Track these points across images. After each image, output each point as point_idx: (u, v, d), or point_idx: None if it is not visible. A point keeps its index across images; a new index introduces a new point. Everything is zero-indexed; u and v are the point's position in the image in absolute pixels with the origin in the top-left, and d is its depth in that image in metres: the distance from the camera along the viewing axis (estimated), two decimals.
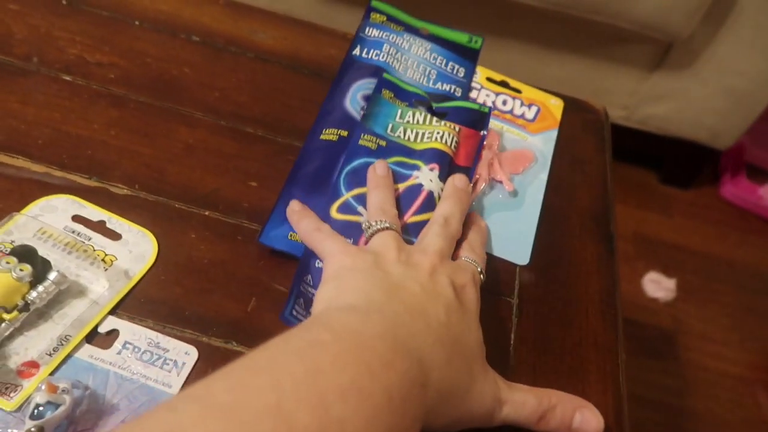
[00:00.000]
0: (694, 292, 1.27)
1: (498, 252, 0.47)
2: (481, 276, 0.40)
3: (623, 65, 1.25)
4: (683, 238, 1.36)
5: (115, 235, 0.42)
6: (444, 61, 0.57)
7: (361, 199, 0.44)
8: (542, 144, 0.56)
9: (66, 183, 0.44)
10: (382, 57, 0.54)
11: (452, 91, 0.55)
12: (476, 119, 0.50)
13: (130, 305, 0.39)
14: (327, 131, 0.48)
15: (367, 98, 0.51)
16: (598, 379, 0.42)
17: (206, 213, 0.44)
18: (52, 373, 0.35)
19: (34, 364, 0.35)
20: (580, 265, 0.48)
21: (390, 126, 0.48)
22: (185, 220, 0.44)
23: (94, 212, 0.42)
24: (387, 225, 0.39)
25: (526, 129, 0.56)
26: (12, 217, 0.40)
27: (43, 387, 0.32)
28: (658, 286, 1.25)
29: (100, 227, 0.42)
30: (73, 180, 0.44)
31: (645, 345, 1.17)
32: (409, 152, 0.47)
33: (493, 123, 0.56)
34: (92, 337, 0.37)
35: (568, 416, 0.36)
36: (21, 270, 0.36)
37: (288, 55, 0.58)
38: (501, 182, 0.51)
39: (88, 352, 0.36)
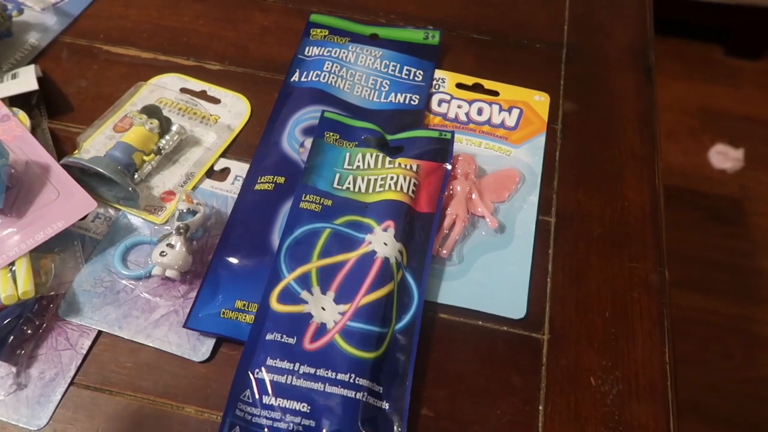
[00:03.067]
0: (763, 160, 1.26)
1: (487, 307, 0.40)
2: None
3: None
4: (751, 109, 1.33)
5: (215, 100, 0.50)
6: (398, 67, 0.51)
7: (305, 282, 0.38)
8: (528, 156, 0.48)
9: (170, 64, 0.53)
10: (323, 78, 0.49)
11: (408, 101, 0.49)
12: (437, 149, 0.44)
13: (236, 149, 0.48)
14: (262, 179, 0.43)
15: (307, 130, 0.45)
16: (635, 182, 0.47)
17: (284, 78, 0.52)
18: None
19: (171, 193, 0.45)
20: (617, 92, 0.53)
21: (337, 177, 0.42)
22: (269, 84, 0.52)
23: (196, 84, 0.51)
24: None
25: (508, 140, 0.48)
26: (138, 87, 0.50)
27: (183, 197, 0.41)
28: (725, 157, 1.25)
29: (202, 95, 0.51)
30: (176, 62, 0.53)
31: (712, 213, 1.18)
32: (361, 208, 0.41)
33: (469, 140, 0.48)
34: (210, 173, 0.46)
35: None
36: (151, 123, 0.45)
37: None
38: (483, 217, 0.44)
39: (209, 184, 0.46)
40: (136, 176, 0.44)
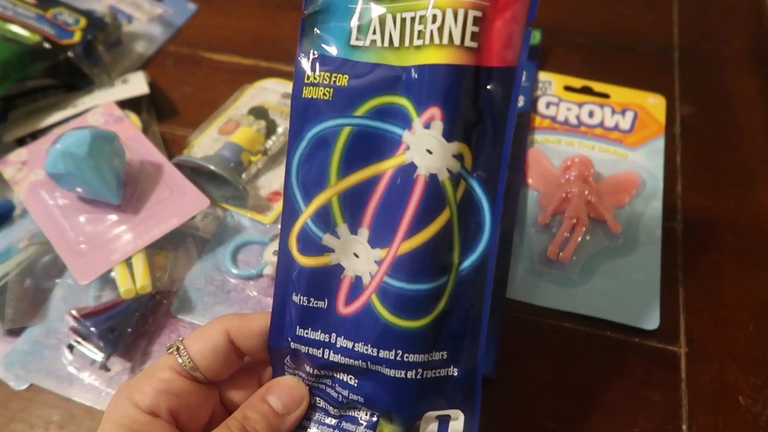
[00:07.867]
0: None
1: (616, 317, 0.37)
2: None
3: None
4: None
5: None
6: None
7: (326, 219, 0.26)
8: (647, 159, 0.44)
9: (271, 70, 0.53)
10: None
11: None
12: None
13: None
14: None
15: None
16: (767, 188, 0.44)
17: None
18: None
19: (277, 193, 0.44)
20: (739, 96, 0.49)
21: (356, 23, 0.25)
22: None
23: None
24: None
25: (623, 143, 0.45)
26: (243, 90, 0.50)
27: None
28: None
29: None
30: (277, 68, 0.53)
31: None
32: (393, 80, 0.25)
33: (581, 143, 0.45)
34: None
35: None
36: (258, 124, 0.45)
37: None
38: (604, 221, 0.41)
39: None
40: (243, 176, 0.44)
